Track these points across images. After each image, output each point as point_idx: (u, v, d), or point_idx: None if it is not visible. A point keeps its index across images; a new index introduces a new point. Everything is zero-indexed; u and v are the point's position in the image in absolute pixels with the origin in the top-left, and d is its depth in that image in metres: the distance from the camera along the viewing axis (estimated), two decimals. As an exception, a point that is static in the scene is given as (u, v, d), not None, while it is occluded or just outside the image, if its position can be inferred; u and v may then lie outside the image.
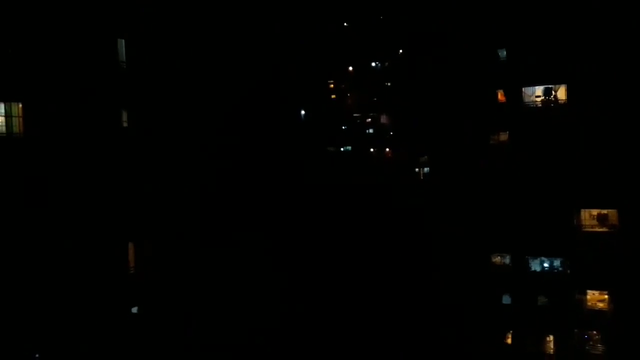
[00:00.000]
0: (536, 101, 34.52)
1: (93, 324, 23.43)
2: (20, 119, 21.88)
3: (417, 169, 48.94)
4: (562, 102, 33.66)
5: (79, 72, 23.93)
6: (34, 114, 22.19)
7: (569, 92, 33.33)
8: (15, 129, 21.81)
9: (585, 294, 32.90)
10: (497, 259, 35.43)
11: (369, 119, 54.39)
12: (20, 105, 21.89)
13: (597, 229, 32.60)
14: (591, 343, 32.78)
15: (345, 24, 53.99)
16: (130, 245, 25.97)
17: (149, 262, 26.37)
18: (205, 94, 31.11)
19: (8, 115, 21.59)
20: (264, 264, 33.72)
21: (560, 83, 33.65)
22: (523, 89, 34.60)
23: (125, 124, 26.33)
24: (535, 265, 34.21)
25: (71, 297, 22.84)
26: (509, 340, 34.93)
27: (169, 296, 27.15)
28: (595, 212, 32.82)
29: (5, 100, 21.41)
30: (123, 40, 26.16)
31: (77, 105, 23.82)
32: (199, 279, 28.99)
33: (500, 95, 35.46)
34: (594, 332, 32.78)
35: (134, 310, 25.81)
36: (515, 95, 34.77)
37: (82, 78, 24.03)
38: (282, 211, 37.05)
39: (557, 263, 33.70)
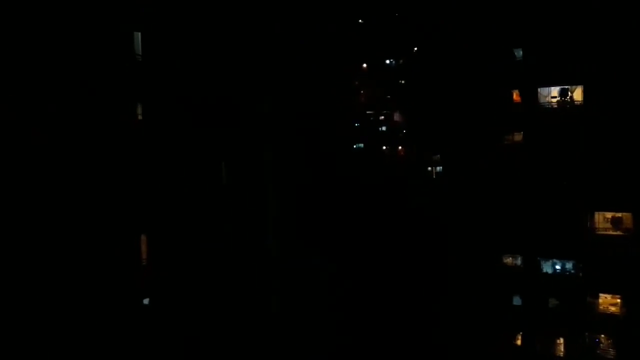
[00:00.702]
0: (551, 102, 34.25)
1: (104, 314, 23.63)
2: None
3: (429, 168, 48.81)
4: (578, 103, 33.37)
5: (95, 64, 24.08)
6: (50, 107, 22.38)
7: (585, 93, 33.04)
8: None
9: (597, 297, 32.63)
10: (508, 260, 35.25)
11: (382, 117, 54.31)
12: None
13: (610, 232, 32.29)
14: (602, 347, 32.54)
15: (360, 20, 53.87)
16: (143, 237, 26.14)
17: (161, 254, 26.54)
18: (220, 88, 31.19)
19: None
20: (276, 258, 33.82)
21: (576, 84, 33.36)
22: (538, 89, 34.35)
23: (140, 117, 26.50)
24: (547, 267, 34.00)
25: (83, 287, 23.06)
26: (519, 342, 34.77)
27: (181, 288, 27.31)
28: (609, 215, 32.51)
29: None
30: (139, 33, 26.30)
31: (93, 97, 23.99)
32: (212, 271, 29.13)
33: (516, 95, 35.22)
34: (605, 336, 32.53)
35: (146, 302, 26.00)
36: (530, 96, 34.51)
37: (98, 70, 24.18)
38: (295, 207, 37.11)
39: (569, 265, 33.48)
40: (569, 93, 33.69)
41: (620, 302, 32.12)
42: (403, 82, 52.77)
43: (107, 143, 24.34)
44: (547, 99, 34.30)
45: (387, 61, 53.82)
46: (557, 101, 34.02)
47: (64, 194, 22.65)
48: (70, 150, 22.97)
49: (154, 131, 26.80)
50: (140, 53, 26.38)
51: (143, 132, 26.32)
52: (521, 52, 34.83)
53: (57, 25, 22.52)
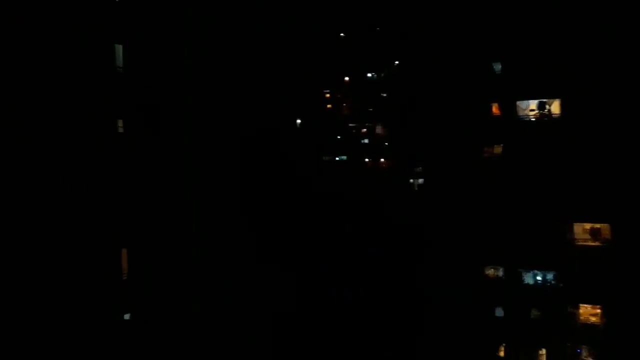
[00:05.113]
0: (530, 115, 34.80)
1: (85, 330, 23.22)
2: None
3: (411, 180, 49.03)
4: (556, 116, 33.98)
5: (75, 77, 23.89)
6: (29, 119, 22.11)
7: (562, 106, 33.66)
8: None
9: (578, 307, 32.99)
10: (490, 272, 35.49)
11: (365, 129, 54.54)
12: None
13: (589, 243, 32.76)
14: (584, 357, 32.82)
15: (341, 34, 54.28)
16: (124, 252, 25.83)
17: (142, 269, 26.22)
18: (202, 100, 31.11)
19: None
20: (257, 271, 33.61)
21: (554, 97, 33.97)
22: (517, 102, 34.90)
23: (121, 130, 26.29)
24: (528, 279, 34.29)
25: (63, 302, 22.65)
26: (502, 354, 34.91)
27: (162, 303, 26.97)
28: (588, 226, 33.00)
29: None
30: (120, 46, 26.19)
31: (73, 110, 23.76)
32: (193, 285, 28.85)
33: (495, 109, 35.73)
34: (587, 346, 32.82)
35: (127, 317, 25.63)
36: (509, 109, 35.05)
37: (78, 83, 23.98)
38: (278, 218, 37.00)
39: (550, 276, 33.82)
40: (547, 106, 34.28)
41: (600, 312, 32.50)
42: (385, 95, 53.12)
43: (88, 156, 24.09)
44: (525, 112, 34.85)
45: (369, 74, 54.18)
46: (535, 114, 34.56)
47: (44, 208, 22.31)
48: (49, 163, 22.68)
49: (136, 144, 26.60)
50: (122, 65, 26.27)
51: (124, 146, 26.11)
52: (500, 66, 35.40)
53: (35, 37, 22.33)
